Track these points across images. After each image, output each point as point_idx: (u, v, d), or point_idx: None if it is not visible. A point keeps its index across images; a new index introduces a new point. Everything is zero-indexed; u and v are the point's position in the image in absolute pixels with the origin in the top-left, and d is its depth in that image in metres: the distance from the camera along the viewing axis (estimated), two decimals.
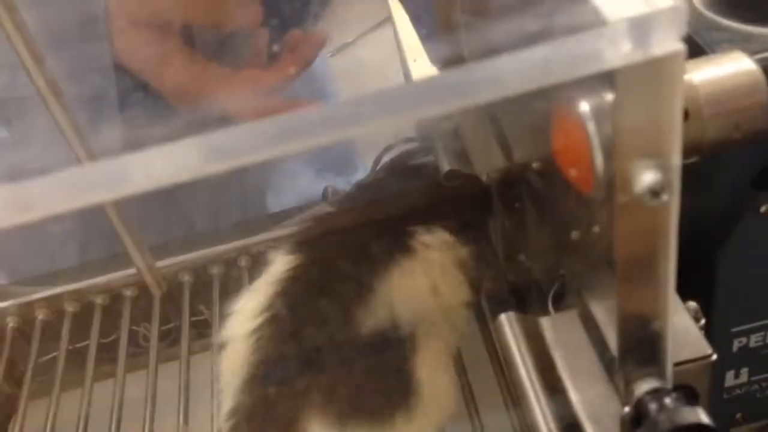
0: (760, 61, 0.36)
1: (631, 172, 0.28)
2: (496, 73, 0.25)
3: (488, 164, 0.54)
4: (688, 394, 0.35)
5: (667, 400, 0.32)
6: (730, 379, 0.53)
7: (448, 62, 0.51)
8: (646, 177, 0.27)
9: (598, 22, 0.25)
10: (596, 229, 0.34)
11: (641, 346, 0.33)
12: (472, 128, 0.55)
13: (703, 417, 0.32)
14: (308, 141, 0.25)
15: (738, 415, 0.56)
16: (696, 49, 0.43)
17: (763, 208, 0.45)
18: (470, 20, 0.44)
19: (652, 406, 0.33)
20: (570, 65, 0.24)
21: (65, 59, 0.62)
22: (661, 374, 0.34)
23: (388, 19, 0.65)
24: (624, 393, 0.35)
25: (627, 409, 0.34)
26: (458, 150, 0.59)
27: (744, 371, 0.53)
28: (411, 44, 0.57)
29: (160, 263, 0.67)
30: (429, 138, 0.64)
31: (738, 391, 0.54)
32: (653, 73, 0.26)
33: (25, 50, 0.48)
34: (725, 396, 0.54)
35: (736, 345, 0.51)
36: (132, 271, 0.66)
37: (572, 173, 0.34)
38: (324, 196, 0.82)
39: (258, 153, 0.25)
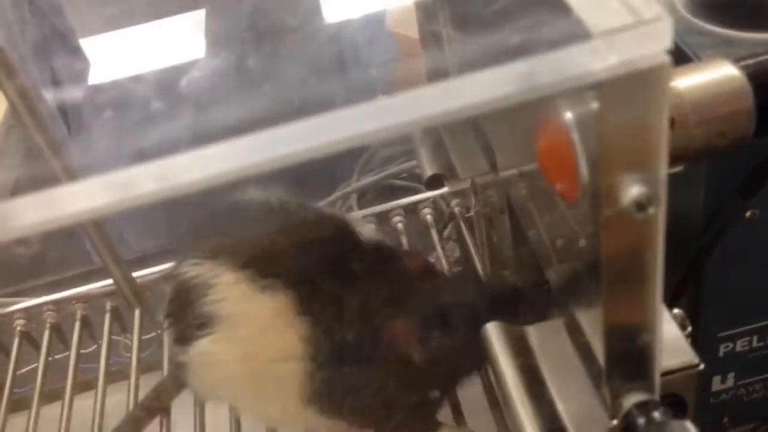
0: (744, 68, 0.35)
1: (616, 185, 0.27)
2: (481, 87, 0.24)
3: (471, 170, 0.54)
4: (676, 406, 0.35)
5: (656, 414, 0.32)
6: (716, 384, 0.53)
7: (432, 75, 0.50)
8: (632, 190, 0.27)
9: (582, 34, 0.24)
10: (581, 239, 0.33)
11: (628, 359, 0.32)
12: (455, 134, 0.55)
13: (692, 431, 0.31)
14: (289, 158, 0.25)
15: (725, 419, 0.56)
16: (680, 54, 0.43)
17: (748, 214, 0.44)
18: (454, 34, 0.43)
19: (641, 420, 0.32)
20: (555, 79, 0.24)
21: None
22: (649, 387, 0.33)
23: None
24: (611, 406, 0.34)
25: (615, 422, 0.34)
26: (441, 155, 0.58)
27: (731, 376, 0.53)
28: None
29: (138, 273, 0.66)
30: (410, 142, 0.64)
31: (725, 396, 0.54)
32: (638, 84, 0.25)
33: None
34: (712, 400, 0.54)
35: (722, 350, 0.51)
36: (111, 281, 0.65)
37: (557, 183, 0.33)
38: None
39: (237, 171, 0.24)
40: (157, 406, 0.58)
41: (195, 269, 0.49)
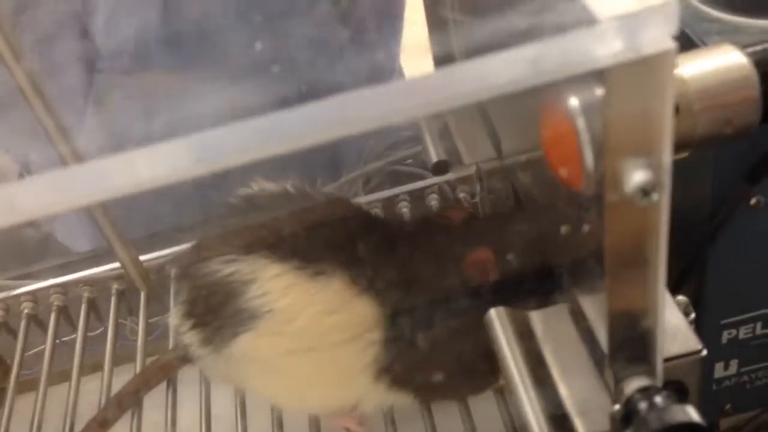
0: (751, 55, 0.35)
1: (621, 171, 0.27)
2: (487, 73, 0.24)
3: (477, 156, 0.54)
4: (678, 391, 0.35)
5: (658, 399, 0.32)
6: (719, 371, 0.53)
7: (438, 60, 0.50)
8: (637, 176, 0.27)
9: (588, 20, 0.24)
10: (586, 226, 0.33)
11: (631, 344, 0.33)
12: (461, 120, 0.55)
13: (693, 415, 0.32)
14: (297, 142, 0.25)
15: (727, 406, 0.56)
16: (686, 40, 0.43)
17: (753, 201, 0.44)
18: (461, 18, 0.43)
19: (642, 405, 0.32)
20: (560, 64, 0.24)
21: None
22: (651, 372, 0.33)
23: None
24: (614, 390, 0.34)
25: (617, 407, 0.34)
26: (447, 141, 0.58)
27: (733, 363, 0.53)
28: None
29: (145, 257, 0.66)
30: (417, 128, 0.64)
31: (727, 383, 0.54)
32: (644, 70, 0.25)
33: (5, 46, 0.47)
34: (714, 387, 0.54)
35: (725, 337, 0.51)
36: (117, 264, 0.65)
37: (562, 170, 0.33)
38: None
39: (245, 154, 0.25)
40: (158, 378, 0.60)
41: (230, 266, 0.48)
